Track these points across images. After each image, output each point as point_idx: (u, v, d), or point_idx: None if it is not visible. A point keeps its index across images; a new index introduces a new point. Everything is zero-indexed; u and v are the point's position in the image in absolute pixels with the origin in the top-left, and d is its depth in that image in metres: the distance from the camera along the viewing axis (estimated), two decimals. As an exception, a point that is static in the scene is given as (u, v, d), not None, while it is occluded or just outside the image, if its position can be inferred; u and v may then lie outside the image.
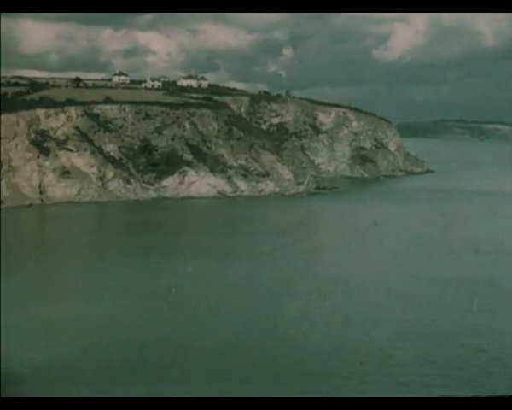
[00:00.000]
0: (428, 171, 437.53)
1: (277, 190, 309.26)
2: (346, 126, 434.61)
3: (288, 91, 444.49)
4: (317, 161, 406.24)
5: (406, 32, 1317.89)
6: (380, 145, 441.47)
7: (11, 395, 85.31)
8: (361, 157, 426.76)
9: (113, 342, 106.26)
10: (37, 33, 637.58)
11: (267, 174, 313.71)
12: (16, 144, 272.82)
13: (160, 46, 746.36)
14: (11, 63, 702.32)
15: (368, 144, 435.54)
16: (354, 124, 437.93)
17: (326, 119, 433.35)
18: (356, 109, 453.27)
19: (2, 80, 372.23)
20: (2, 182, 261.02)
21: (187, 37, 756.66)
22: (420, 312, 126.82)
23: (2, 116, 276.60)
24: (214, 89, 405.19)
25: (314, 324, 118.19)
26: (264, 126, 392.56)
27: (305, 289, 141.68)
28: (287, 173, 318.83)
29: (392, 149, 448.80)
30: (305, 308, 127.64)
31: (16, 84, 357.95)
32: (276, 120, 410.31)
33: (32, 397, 69.18)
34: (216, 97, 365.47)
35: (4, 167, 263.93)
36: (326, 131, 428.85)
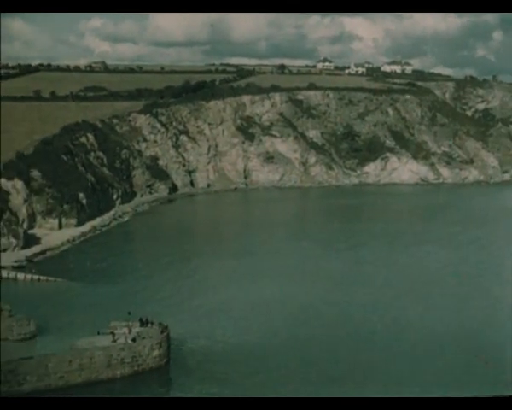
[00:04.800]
0: None
1: (481, 177, 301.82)
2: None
3: (494, 76, 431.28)
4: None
5: None
6: None
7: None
8: None
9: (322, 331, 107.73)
10: (248, 22, 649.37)
11: (471, 161, 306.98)
12: (223, 130, 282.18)
13: (366, 32, 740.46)
14: (221, 52, 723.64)
15: None
16: None
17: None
18: None
19: (212, 68, 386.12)
20: (210, 166, 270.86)
21: (393, 22, 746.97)
22: None
23: (211, 103, 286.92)
24: (418, 74, 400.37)
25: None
26: (469, 112, 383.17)
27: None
28: (492, 161, 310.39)
29: None
30: None
31: (224, 71, 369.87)
32: (481, 106, 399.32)
33: (32, 397, 72.21)
34: (420, 83, 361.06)
35: (211, 152, 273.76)
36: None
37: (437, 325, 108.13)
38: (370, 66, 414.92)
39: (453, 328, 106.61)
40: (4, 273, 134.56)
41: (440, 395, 46.58)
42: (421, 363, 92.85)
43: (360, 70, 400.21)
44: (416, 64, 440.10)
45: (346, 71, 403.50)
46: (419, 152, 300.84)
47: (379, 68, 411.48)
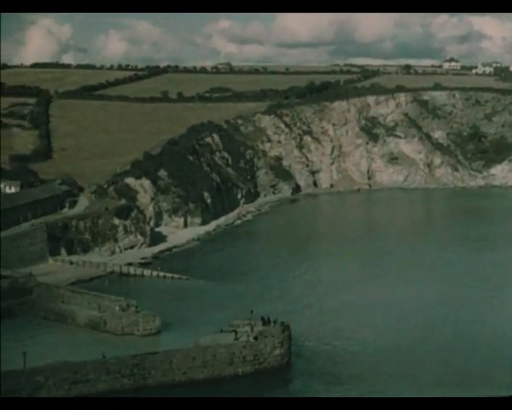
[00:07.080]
0: None
1: None
2: None
3: None
4: None
5: None
6: None
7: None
8: None
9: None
10: (373, 21, 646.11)
11: None
12: (347, 130, 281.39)
13: (495, 31, 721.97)
14: (346, 52, 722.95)
15: None
16: None
17: None
18: None
19: (336, 68, 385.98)
20: (333, 167, 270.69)
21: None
22: None
23: (335, 103, 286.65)
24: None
25: None
26: None
27: None
28: None
29: None
30: None
31: (349, 71, 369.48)
32: None
33: (32, 397, 72.18)
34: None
35: (335, 153, 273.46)
36: None
37: None
38: (498, 65, 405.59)
39: None
40: (131, 270, 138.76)
41: (438, 396, 45.89)
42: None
43: (488, 70, 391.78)
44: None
45: (473, 71, 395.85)
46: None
47: (507, 68, 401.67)
